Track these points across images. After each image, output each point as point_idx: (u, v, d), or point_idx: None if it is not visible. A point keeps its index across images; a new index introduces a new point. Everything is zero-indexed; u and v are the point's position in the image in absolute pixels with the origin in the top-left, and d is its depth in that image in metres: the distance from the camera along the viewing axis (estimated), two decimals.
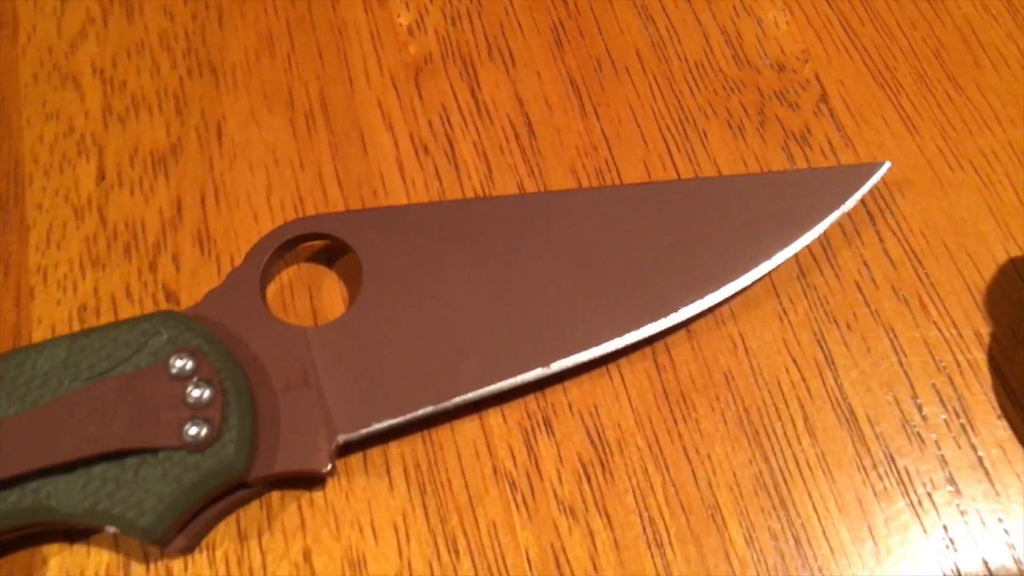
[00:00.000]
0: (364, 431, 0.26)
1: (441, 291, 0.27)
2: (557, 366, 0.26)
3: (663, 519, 0.26)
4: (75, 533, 0.26)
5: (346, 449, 0.27)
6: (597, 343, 0.26)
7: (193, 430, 0.24)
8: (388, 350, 0.27)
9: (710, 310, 0.28)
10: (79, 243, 0.30)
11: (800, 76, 0.32)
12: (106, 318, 0.29)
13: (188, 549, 0.26)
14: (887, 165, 0.28)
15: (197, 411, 0.24)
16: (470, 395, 0.26)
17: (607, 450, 0.27)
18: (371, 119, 0.32)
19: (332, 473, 0.25)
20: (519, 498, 0.26)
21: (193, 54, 0.33)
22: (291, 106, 0.32)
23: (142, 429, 0.24)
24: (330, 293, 0.29)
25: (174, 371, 0.25)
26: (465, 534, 0.26)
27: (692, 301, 0.27)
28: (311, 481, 0.26)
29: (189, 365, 0.25)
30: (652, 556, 0.25)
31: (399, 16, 0.33)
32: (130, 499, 0.24)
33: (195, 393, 0.24)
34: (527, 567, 0.25)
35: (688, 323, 0.28)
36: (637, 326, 0.27)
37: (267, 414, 0.26)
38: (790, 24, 0.33)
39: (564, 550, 0.26)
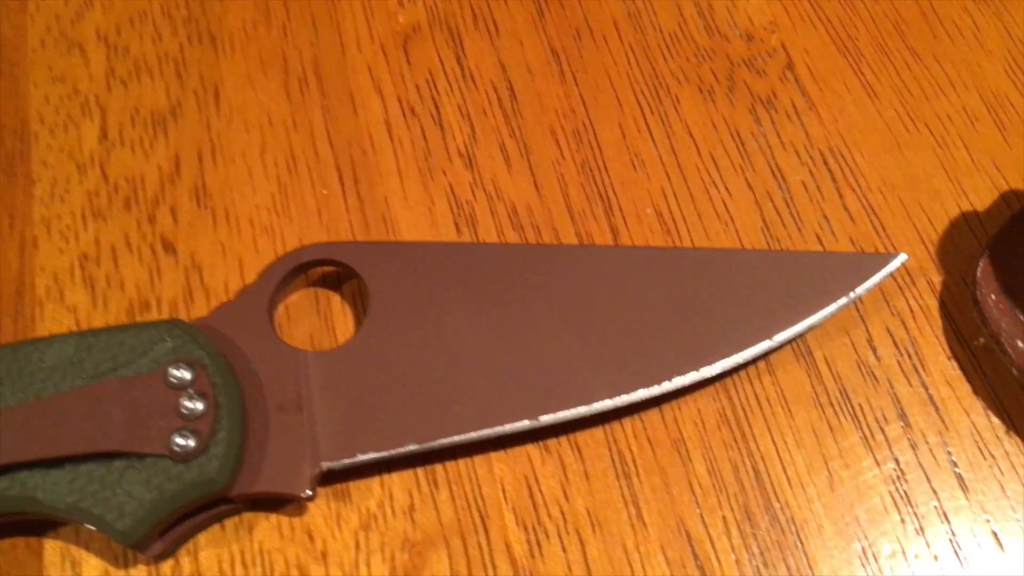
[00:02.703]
0: (348, 462, 0.26)
1: (443, 332, 0.28)
2: (546, 420, 0.27)
3: (631, 452, 0.27)
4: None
5: (330, 477, 0.27)
6: (588, 403, 0.27)
7: (181, 441, 0.25)
8: (383, 384, 0.27)
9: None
10: (81, 197, 0.32)
11: (767, 45, 0.33)
12: (106, 267, 0.31)
13: (164, 555, 0.26)
14: (903, 257, 0.28)
15: (188, 422, 0.25)
16: (456, 439, 0.26)
17: None
18: (361, 83, 0.33)
19: (312, 499, 0.26)
20: None
21: (193, 22, 0.35)
22: (286, 71, 0.34)
23: (132, 433, 0.25)
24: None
25: (172, 380, 0.25)
26: (444, 466, 0.27)
27: (686, 373, 0.27)
28: (291, 502, 0.27)
29: (187, 376, 0.25)
30: (620, 486, 0.27)
31: None
32: (112, 501, 0.24)
33: (188, 404, 0.25)
34: (502, 497, 0.27)
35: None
36: (629, 391, 0.27)
37: (256, 433, 0.26)
38: None
39: (537, 480, 0.27)
